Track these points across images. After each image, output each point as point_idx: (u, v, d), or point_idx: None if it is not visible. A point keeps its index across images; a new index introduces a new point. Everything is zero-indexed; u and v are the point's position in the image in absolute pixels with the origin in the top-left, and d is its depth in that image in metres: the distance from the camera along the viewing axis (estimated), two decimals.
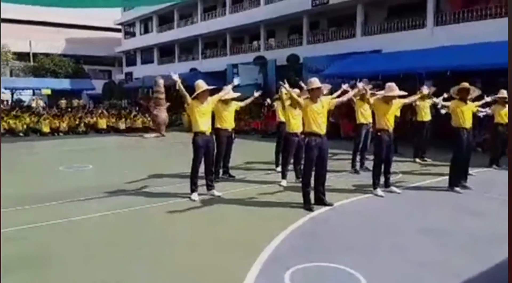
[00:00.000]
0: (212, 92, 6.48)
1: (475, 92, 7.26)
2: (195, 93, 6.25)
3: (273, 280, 3.62)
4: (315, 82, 5.79)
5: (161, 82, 17.11)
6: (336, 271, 3.81)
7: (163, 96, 17.09)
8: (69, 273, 3.78)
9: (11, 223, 5.09)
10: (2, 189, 6.29)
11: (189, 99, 6.21)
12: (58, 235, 4.79)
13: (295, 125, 7.27)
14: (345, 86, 6.55)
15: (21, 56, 38.88)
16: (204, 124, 6.28)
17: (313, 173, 5.87)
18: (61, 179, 8.20)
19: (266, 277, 3.66)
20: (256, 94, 8.17)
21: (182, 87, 6.21)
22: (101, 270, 3.85)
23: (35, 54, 39.37)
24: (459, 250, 4.33)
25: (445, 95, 8.36)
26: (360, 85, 6.68)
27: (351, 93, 6.55)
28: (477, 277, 3.69)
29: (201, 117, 6.26)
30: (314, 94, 5.77)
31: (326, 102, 5.94)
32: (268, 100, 20.51)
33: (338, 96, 6.43)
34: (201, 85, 6.27)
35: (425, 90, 7.87)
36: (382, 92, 6.94)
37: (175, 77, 6.21)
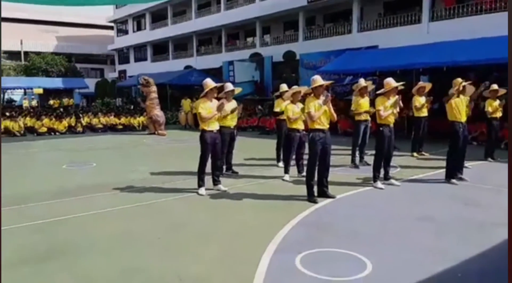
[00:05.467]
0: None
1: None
2: (204, 92, 6.42)
3: (285, 264, 3.83)
4: (318, 80, 6.00)
5: (152, 80, 17.26)
6: (344, 255, 4.03)
7: (156, 95, 17.26)
8: (91, 263, 3.93)
9: (26, 218, 5.24)
10: (8, 188, 6.43)
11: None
12: (76, 229, 4.93)
13: (296, 122, 7.43)
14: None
15: (12, 55, 38.51)
16: (212, 123, 6.48)
17: (316, 167, 6.06)
18: (66, 177, 8.26)
19: (278, 262, 3.88)
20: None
21: None
22: (122, 259, 4.02)
23: (26, 53, 39.00)
24: (457, 237, 4.56)
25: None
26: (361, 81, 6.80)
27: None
28: (472, 260, 3.93)
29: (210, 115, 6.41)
30: (317, 92, 5.95)
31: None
32: (260, 107, 20.74)
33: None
34: (209, 83, 6.46)
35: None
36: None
37: None
